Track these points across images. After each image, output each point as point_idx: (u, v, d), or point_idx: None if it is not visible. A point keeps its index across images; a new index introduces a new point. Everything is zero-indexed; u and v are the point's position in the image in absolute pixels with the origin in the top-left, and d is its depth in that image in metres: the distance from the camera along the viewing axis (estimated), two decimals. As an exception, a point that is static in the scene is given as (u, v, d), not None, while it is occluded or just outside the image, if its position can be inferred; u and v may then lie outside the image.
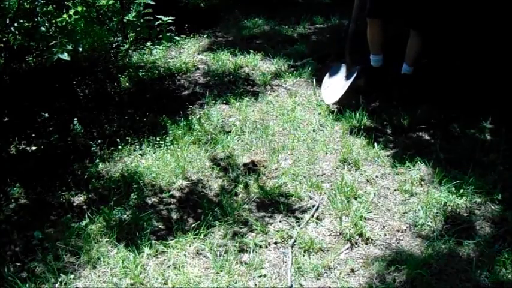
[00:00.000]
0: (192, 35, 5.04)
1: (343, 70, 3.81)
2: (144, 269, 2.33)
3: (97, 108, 3.67)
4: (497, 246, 2.39)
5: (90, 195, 2.82)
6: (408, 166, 2.97)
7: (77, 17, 3.38)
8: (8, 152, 3.20)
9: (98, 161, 3.09)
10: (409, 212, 2.66)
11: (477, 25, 3.78)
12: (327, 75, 3.91)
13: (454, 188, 2.74)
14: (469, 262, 2.33)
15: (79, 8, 3.40)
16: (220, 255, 2.40)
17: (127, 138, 3.29)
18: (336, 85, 3.75)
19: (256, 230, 2.55)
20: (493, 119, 3.30)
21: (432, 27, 3.69)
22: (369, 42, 3.82)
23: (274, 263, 2.38)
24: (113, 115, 3.63)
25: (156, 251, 2.42)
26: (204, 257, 2.41)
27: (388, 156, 3.11)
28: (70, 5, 3.35)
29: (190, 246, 2.45)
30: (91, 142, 3.21)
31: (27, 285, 2.23)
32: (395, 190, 2.84)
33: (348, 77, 3.70)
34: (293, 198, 2.79)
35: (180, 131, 3.36)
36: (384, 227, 2.59)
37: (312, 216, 2.65)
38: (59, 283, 2.26)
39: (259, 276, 2.30)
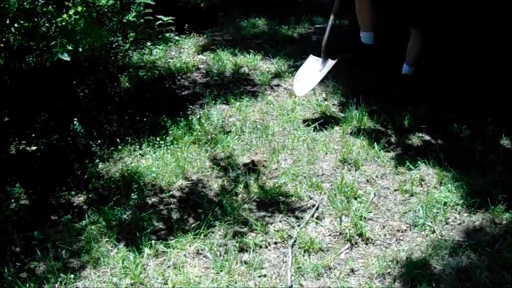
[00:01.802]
0: (192, 35, 5.03)
1: (316, 63, 3.74)
2: (144, 269, 2.33)
3: (97, 108, 3.67)
4: (497, 246, 2.40)
5: (90, 195, 2.82)
6: (408, 166, 2.97)
7: (77, 17, 3.38)
8: (8, 152, 3.20)
9: (98, 161, 3.09)
10: (409, 212, 2.66)
11: (477, 24, 3.78)
12: (300, 68, 3.86)
13: (454, 188, 2.74)
14: (469, 262, 2.33)
15: (79, 8, 3.39)
16: (220, 255, 2.40)
17: (127, 138, 3.29)
18: (308, 77, 3.70)
19: (256, 230, 2.55)
20: (493, 119, 3.30)
21: (432, 25, 3.67)
22: (358, 19, 3.81)
23: (274, 263, 2.38)
24: (113, 115, 3.62)
25: (156, 251, 2.43)
26: (204, 257, 2.42)
27: (388, 156, 3.11)
28: (70, 5, 3.35)
29: (190, 246, 2.45)
30: (91, 142, 3.21)
31: (27, 285, 2.23)
32: (395, 190, 2.84)
33: (322, 70, 3.65)
34: (293, 198, 2.79)
35: (180, 131, 3.36)
36: (384, 227, 2.59)
37: (312, 216, 2.65)
38: (59, 283, 2.26)
39: (259, 276, 2.30)
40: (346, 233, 2.50)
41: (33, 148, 3.22)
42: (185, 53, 4.73)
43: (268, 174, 3.00)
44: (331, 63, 3.61)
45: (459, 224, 2.56)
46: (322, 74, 3.60)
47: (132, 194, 2.75)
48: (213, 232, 2.55)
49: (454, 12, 3.78)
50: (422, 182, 2.86)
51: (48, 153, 3.15)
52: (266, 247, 2.47)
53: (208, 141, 3.28)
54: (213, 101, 3.80)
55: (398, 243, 2.48)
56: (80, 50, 3.15)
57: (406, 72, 3.73)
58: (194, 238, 2.49)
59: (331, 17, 3.71)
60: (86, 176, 2.96)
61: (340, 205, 2.68)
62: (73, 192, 2.84)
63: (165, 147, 3.18)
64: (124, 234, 2.51)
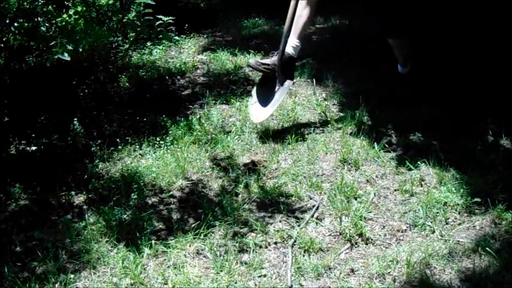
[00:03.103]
0: (192, 35, 5.04)
1: (273, 84, 3.36)
2: (144, 269, 2.33)
3: (97, 108, 3.67)
4: (497, 246, 2.40)
5: (90, 195, 2.82)
6: (408, 166, 2.97)
7: (76, 17, 3.38)
8: (8, 152, 3.20)
9: (98, 161, 3.09)
10: (409, 212, 2.66)
11: (477, 24, 3.79)
12: (255, 88, 3.51)
13: (454, 188, 2.74)
14: (469, 262, 2.33)
15: (79, 8, 3.40)
16: (220, 255, 2.40)
17: (127, 138, 3.29)
18: (264, 101, 3.36)
19: (256, 230, 2.55)
20: (493, 119, 3.30)
21: (412, 34, 3.61)
22: (303, 24, 3.37)
23: (274, 263, 2.38)
24: (113, 115, 3.63)
25: (156, 251, 2.42)
26: (204, 257, 2.42)
27: (388, 156, 3.11)
28: (70, 5, 3.35)
29: (190, 246, 2.45)
30: (91, 142, 3.21)
31: (27, 285, 2.23)
32: (395, 190, 2.84)
33: (278, 92, 3.33)
34: (293, 198, 2.79)
35: (180, 131, 3.36)
36: (384, 227, 2.59)
37: (312, 216, 2.65)
38: (59, 283, 2.26)
39: (259, 276, 2.30)
40: (346, 233, 2.50)
41: (33, 148, 3.22)
42: (185, 53, 4.73)
43: (268, 174, 3.00)
44: (288, 83, 3.34)
45: (459, 224, 2.56)
46: (279, 98, 3.29)
47: (132, 194, 2.75)
48: (213, 232, 2.54)
49: (453, 12, 3.79)
50: (422, 182, 2.86)
51: (48, 153, 3.15)
52: (266, 247, 2.47)
53: (208, 141, 3.28)
54: (213, 101, 3.80)
55: (398, 243, 2.48)
56: (80, 50, 3.15)
57: (401, 71, 3.74)
58: (194, 238, 2.49)
59: (285, 32, 3.29)
60: (86, 176, 2.96)
61: (340, 205, 2.68)
62: (73, 192, 2.84)
63: (165, 147, 3.19)
64: (124, 234, 2.51)
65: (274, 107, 3.32)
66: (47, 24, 3.37)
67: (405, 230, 2.56)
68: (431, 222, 2.57)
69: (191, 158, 3.11)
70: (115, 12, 3.89)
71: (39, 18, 3.31)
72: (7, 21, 3.12)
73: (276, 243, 2.49)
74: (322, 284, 2.27)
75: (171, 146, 3.20)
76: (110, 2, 3.82)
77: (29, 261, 2.38)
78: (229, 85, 4.11)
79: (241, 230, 2.57)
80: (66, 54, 2.96)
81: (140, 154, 3.18)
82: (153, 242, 2.46)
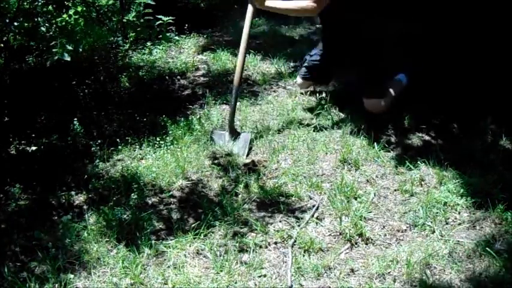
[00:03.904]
0: (192, 35, 5.04)
1: (227, 138, 3.27)
2: (144, 269, 2.33)
3: (97, 108, 3.67)
4: (497, 246, 2.40)
5: (90, 195, 2.82)
6: (408, 166, 2.97)
7: (76, 17, 3.39)
8: (8, 152, 3.20)
9: (98, 161, 3.09)
10: (409, 212, 2.66)
11: (477, 25, 3.78)
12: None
13: (454, 188, 2.74)
14: (469, 262, 2.33)
15: (79, 8, 3.40)
16: (220, 255, 2.40)
17: (127, 138, 3.29)
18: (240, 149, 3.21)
19: (256, 230, 2.55)
20: (493, 119, 3.30)
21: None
22: None
23: (274, 263, 2.38)
24: (112, 115, 3.63)
25: (156, 251, 2.42)
26: (204, 257, 2.42)
27: (388, 156, 3.11)
28: (70, 5, 3.35)
29: (190, 246, 2.45)
30: (91, 142, 3.21)
31: (26, 285, 2.23)
32: (395, 190, 2.84)
33: (240, 145, 3.21)
34: (293, 198, 2.79)
35: (180, 131, 3.36)
36: (384, 227, 2.59)
37: (312, 216, 2.65)
38: (58, 283, 2.26)
39: (259, 276, 2.30)
40: (346, 233, 2.50)
41: (33, 148, 3.22)
42: (185, 53, 4.73)
43: (268, 174, 3.00)
44: (247, 136, 3.25)
45: (459, 224, 2.56)
46: (245, 151, 3.17)
47: (132, 194, 2.75)
48: (213, 232, 2.54)
49: (453, 12, 3.78)
50: (422, 182, 2.86)
51: (48, 153, 3.15)
52: (266, 247, 2.47)
53: (208, 141, 3.28)
54: (213, 101, 3.80)
55: (398, 243, 2.48)
56: (80, 50, 3.15)
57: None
58: (194, 238, 2.49)
59: (235, 87, 3.26)
60: (86, 176, 2.96)
61: (340, 205, 2.68)
62: (73, 192, 2.84)
63: (165, 147, 3.18)
64: (124, 234, 2.51)
65: (246, 150, 3.19)
66: (47, 24, 3.37)
67: (405, 230, 2.56)
68: (431, 222, 2.57)
69: (191, 158, 3.11)
70: (115, 12, 3.89)
71: (39, 18, 3.31)
72: (7, 21, 3.12)
73: (276, 243, 2.49)
74: (322, 284, 2.27)
75: (171, 146, 3.20)
76: (110, 2, 3.82)
77: (29, 261, 2.38)
78: (229, 85, 4.11)
79: (241, 230, 2.57)
80: (66, 55, 2.96)
81: (140, 154, 3.18)
82: (153, 242, 2.46)
